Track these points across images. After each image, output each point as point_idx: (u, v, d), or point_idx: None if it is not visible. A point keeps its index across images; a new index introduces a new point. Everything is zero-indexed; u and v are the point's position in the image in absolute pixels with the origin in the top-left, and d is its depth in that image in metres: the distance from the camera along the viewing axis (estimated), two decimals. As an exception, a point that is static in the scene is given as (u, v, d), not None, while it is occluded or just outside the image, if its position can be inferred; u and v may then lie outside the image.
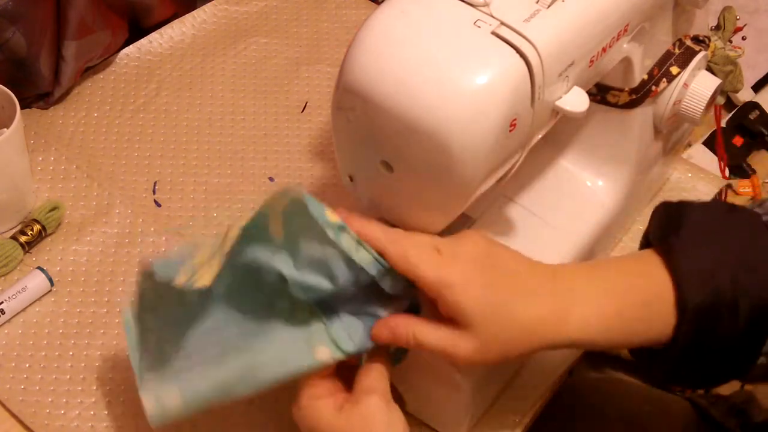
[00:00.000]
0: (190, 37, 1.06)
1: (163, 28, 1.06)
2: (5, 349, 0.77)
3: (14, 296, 0.78)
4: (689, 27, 0.78)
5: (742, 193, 1.14)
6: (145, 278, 0.62)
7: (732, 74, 1.18)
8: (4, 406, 0.73)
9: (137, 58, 1.03)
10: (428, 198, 0.63)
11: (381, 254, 0.60)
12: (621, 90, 0.75)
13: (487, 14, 0.59)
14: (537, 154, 0.68)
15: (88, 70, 0.99)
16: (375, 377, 0.61)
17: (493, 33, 0.59)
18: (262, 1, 1.12)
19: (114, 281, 0.82)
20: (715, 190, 0.95)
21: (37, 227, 0.83)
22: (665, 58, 0.76)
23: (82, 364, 0.76)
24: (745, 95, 1.23)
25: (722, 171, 1.08)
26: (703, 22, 0.80)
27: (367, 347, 0.62)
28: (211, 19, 1.09)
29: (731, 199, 1.11)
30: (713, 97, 0.77)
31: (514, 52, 0.58)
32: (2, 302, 0.77)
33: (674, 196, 0.93)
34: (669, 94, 0.77)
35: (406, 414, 0.74)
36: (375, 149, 0.62)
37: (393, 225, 0.68)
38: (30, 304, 0.79)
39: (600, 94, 0.76)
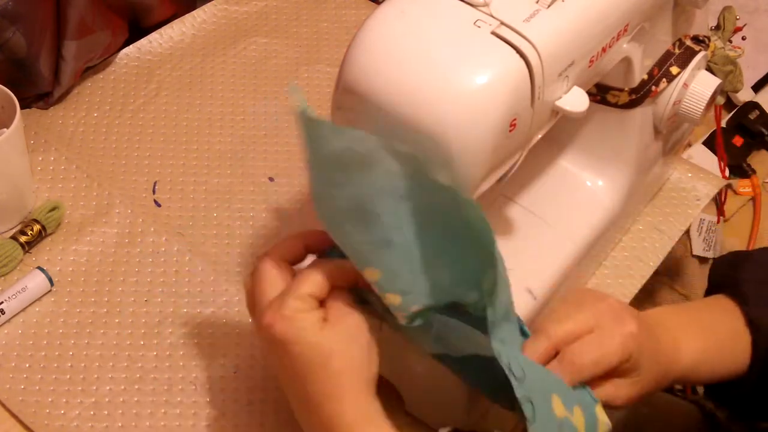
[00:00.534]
0: (190, 37, 1.06)
1: (163, 28, 1.06)
2: (5, 349, 0.77)
3: (14, 296, 0.78)
4: (689, 27, 0.78)
5: (742, 193, 1.14)
6: None
7: (732, 74, 1.18)
8: (4, 406, 0.73)
9: (137, 58, 1.03)
10: (428, 198, 0.63)
11: None
12: (621, 90, 0.75)
13: (487, 14, 0.59)
14: (537, 154, 0.68)
15: (88, 70, 0.99)
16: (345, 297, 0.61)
17: (493, 33, 0.59)
18: (262, 1, 1.12)
19: (114, 281, 0.82)
20: (715, 190, 0.95)
21: (37, 227, 0.83)
22: (665, 58, 0.76)
23: (82, 364, 0.76)
24: (745, 95, 1.23)
25: (722, 171, 1.08)
26: (703, 22, 0.80)
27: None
28: (211, 19, 1.09)
29: (731, 198, 1.11)
30: (713, 97, 0.77)
31: (514, 52, 0.58)
32: (2, 302, 0.77)
33: (674, 196, 0.93)
34: (669, 94, 0.77)
35: (406, 414, 0.75)
36: (375, 149, 0.62)
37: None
38: (30, 304, 0.79)
39: (600, 94, 0.76)
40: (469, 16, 0.59)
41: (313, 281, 0.59)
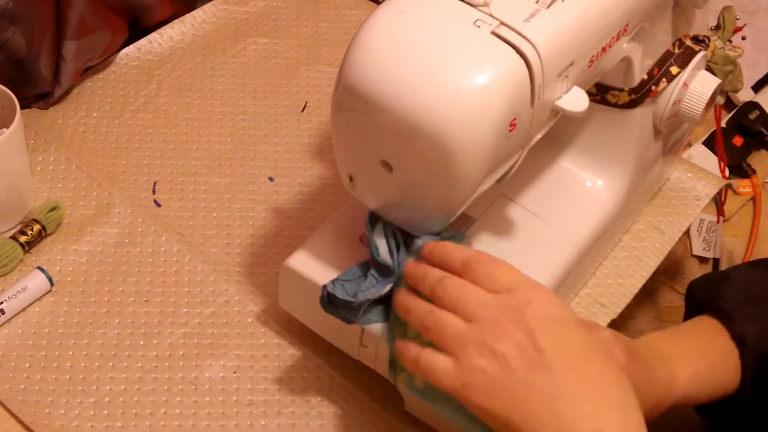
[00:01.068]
0: (190, 37, 1.06)
1: (163, 28, 1.05)
2: (5, 349, 0.77)
3: (14, 296, 0.78)
4: (689, 27, 0.78)
5: (742, 193, 1.14)
6: None
7: (732, 74, 1.18)
8: (4, 406, 0.73)
9: (137, 58, 1.03)
10: (428, 198, 0.63)
11: None
12: (621, 90, 0.75)
13: (487, 14, 0.59)
14: (537, 154, 0.68)
15: (88, 70, 0.99)
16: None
17: (493, 33, 0.59)
18: (262, 1, 1.12)
19: (114, 281, 0.82)
20: (715, 190, 0.95)
21: (37, 227, 0.83)
22: (665, 58, 0.76)
23: (82, 364, 0.76)
24: (745, 95, 1.22)
25: (722, 171, 1.08)
26: (702, 22, 0.80)
27: None
28: (211, 19, 1.09)
29: (731, 198, 1.11)
30: (713, 97, 0.77)
31: (514, 52, 0.58)
32: (2, 302, 0.77)
33: (674, 196, 0.93)
34: (669, 94, 0.77)
35: (406, 414, 0.75)
36: (375, 149, 0.62)
37: (393, 225, 0.68)
38: (30, 304, 0.79)
39: (600, 94, 0.76)
40: (469, 16, 0.59)
41: None
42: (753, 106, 1.20)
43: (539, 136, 0.65)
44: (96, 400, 0.74)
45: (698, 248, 1.09)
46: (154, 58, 1.03)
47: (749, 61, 1.22)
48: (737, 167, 1.16)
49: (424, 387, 0.62)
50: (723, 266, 1.09)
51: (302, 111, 1.00)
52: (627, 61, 0.72)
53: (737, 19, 1.22)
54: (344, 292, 0.66)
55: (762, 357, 0.70)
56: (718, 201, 1.07)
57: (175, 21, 1.06)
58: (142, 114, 0.97)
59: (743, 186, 1.14)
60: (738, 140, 1.18)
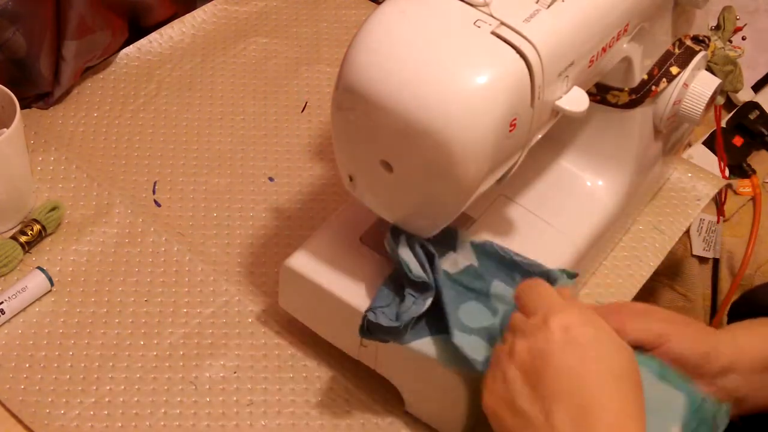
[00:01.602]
0: (190, 37, 1.06)
1: (163, 28, 1.05)
2: (5, 349, 0.77)
3: (14, 296, 0.78)
4: (689, 27, 0.78)
5: (742, 193, 1.14)
6: None
7: (732, 74, 1.18)
8: (4, 406, 0.73)
9: (137, 58, 1.03)
10: (428, 198, 0.63)
11: None
12: (621, 90, 0.75)
13: (487, 14, 0.59)
14: (537, 154, 0.68)
15: (88, 70, 0.99)
16: None
17: (493, 33, 0.59)
18: (262, 1, 1.12)
19: (114, 281, 0.82)
20: (715, 190, 0.95)
21: (37, 227, 0.83)
22: (665, 58, 0.76)
23: (82, 364, 0.76)
24: (745, 95, 1.23)
25: (722, 171, 1.08)
26: (703, 22, 0.80)
27: None
28: (211, 19, 1.09)
29: (731, 198, 1.11)
30: (713, 97, 0.77)
31: (514, 52, 0.58)
32: (2, 302, 0.77)
33: (674, 196, 0.93)
34: (669, 94, 0.77)
35: (406, 414, 0.75)
36: (375, 149, 0.62)
37: (393, 225, 0.68)
38: (30, 304, 0.79)
39: (600, 94, 0.76)
40: (469, 16, 0.59)
41: None
42: (753, 106, 1.21)
43: (539, 136, 0.65)
44: (96, 400, 0.74)
45: (698, 248, 1.09)
46: (154, 58, 1.03)
47: (749, 61, 1.22)
48: (737, 167, 1.16)
49: None
50: (723, 266, 1.09)
51: (302, 111, 1.00)
52: (627, 61, 0.72)
53: (737, 19, 1.22)
54: (387, 320, 0.66)
55: None
56: (718, 201, 1.07)
57: (175, 21, 1.06)
58: (142, 114, 0.97)
59: (743, 186, 1.14)
60: (738, 140, 1.18)
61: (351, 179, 0.67)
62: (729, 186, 1.11)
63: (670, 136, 0.85)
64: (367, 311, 0.67)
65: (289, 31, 1.09)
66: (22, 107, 0.84)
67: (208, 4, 1.09)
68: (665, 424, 0.60)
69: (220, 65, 1.04)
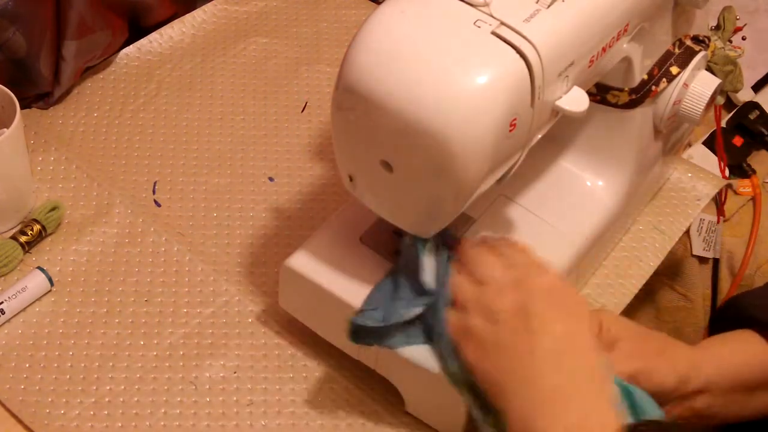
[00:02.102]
0: (190, 37, 1.06)
1: (163, 28, 1.05)
2: (5, 349, 0.77)
3: (14, 296, 0.78)
4: (689, 27, 0.78)
5: (742, 193, 1.14)
6: None
7: (732, 74, 1.18)
8: (4, 406, 0.73)
9: (137, 58, 1.03)
10: (428, 198, 0.63)
11: None
12: (621, 90, 0.75)
13: (487, 14, 0.59)
14: (537, 154, 0.68)
15: (88, 70, 0.99)
16: None
17: (493, 33, 0.59)
18: (262, 1, 1.12)
19: (114, 281, 0.82)
20: (715, 190, 0.95)
21: (37, 227, 0.83)
22: (665, 58, 0.76)
23: (82, 364, 0.76)
24: (745, 95, 1.22)
25: (722, 171, 1.08)
26: (703, 22, 0.80)
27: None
28: (211, 19, 1.09)
29: (731, 198, 1.11)
30: (713, 97, 0.77)
31: (514, 52, 0.58)
32: (2, 302, 0.77)
33: (674, 196, 0.93)
34: (669, 94, 0.77)
35: (406, 414, 0.75)
36: (375, 149, 0.62)
37: (393, 224, 0.68)
38: (30, 304, 0.79)
39: (600, 94, 0.76)
40: (469, 16, 0.59)
41: None
42: (753, 106, 1.20)
43: (539, 136, 0.65)
44: (96, 400, 0.74)
45: (698, 248, 1.09)
46: (154, 58, 1.03)
47: (749, 61, 1.22)
48: (737, 167, 1.16)
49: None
50: (723, 266, 1.09)
51: (302, 111, 1.00)
52: (627, 61, 0.72)
53: (737, 19, 1.22)
54: (374, 321, 0.66)
55: None
56: (718, 201, 1.07)
57: (175, 21, 1.06)
58: (142, 114, 0.97)
59: (743, 186, 1.14)
60: (738, 140, 1.18)
61: (351, 179, 0.67)
62: (729, 186, 1.11)
63: (670, 136, 0.85)
64: (352, 317, 0.67)
65: (289, 31, 1.09)
66: (22, 107, 0.84)
67: (208, 4, 1.09)
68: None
69: (220, 65, 1.04)
